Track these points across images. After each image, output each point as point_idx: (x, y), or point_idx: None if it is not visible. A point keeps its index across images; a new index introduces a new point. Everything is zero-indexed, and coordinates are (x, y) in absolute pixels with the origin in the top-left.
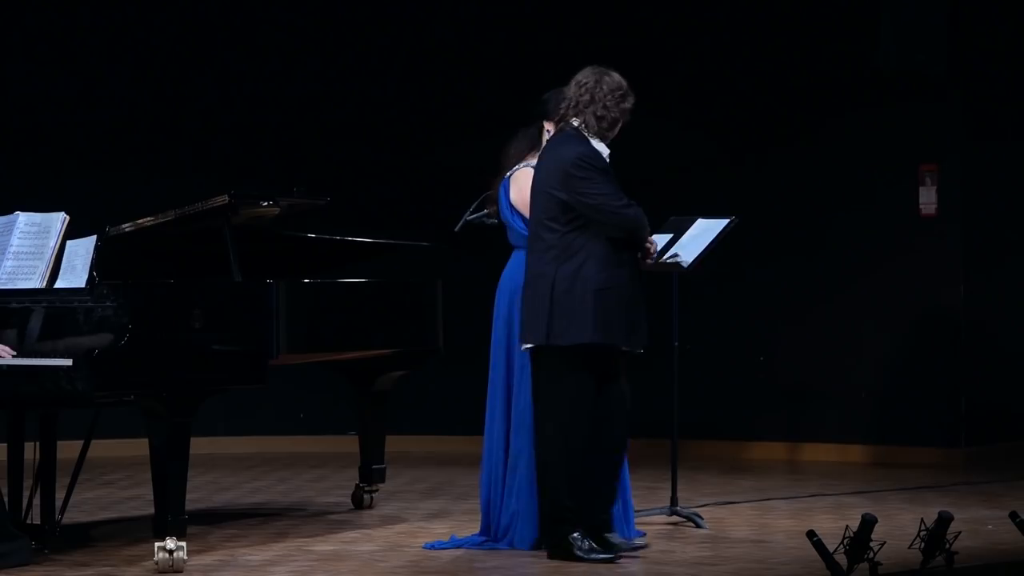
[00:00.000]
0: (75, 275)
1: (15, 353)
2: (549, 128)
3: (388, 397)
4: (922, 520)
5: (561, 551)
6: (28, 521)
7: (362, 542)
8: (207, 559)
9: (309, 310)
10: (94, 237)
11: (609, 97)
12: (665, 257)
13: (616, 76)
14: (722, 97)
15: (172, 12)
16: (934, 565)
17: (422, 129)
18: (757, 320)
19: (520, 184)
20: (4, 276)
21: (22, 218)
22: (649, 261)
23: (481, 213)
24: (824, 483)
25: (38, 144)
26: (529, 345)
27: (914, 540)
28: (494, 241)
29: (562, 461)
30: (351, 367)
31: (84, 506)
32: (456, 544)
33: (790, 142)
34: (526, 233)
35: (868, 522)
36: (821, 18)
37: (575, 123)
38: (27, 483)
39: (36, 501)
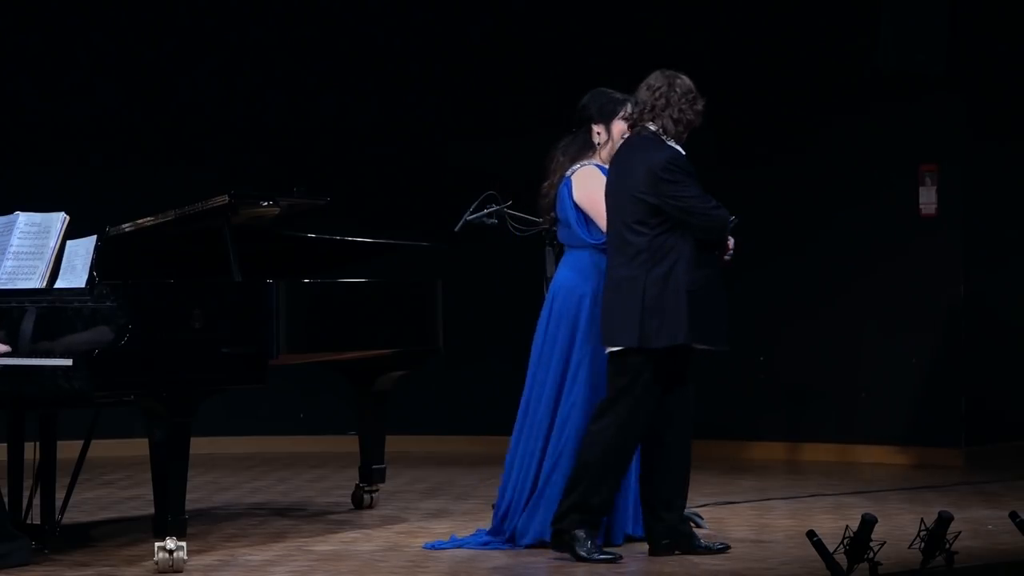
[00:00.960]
0: (75, 275)
1: (9, 348)
2: (599, 131)
3: (388, 397)
4: (922, 520)
5: (563, 542)
6: (28, 521)
7: (362, 542)
8: (207, 559)
9: (309, 310)
10: (94, 237)
11: (683, 100)
12: None
13: (686, 79)
14: (721, 97)
15: (173, 12)
16: (934, 565)
17: (422, 129)
18: (757, 320)
19: (586, 182)
20: (4, 276)
21: (22, 218)
22: (727, 258)
23: (481, 213)
24: (824, 483)
25: (38, 144)
26: (616, 348)
27: (914, 540)
28: (494, 241)
29: (611, 461)
30: (351, 367)
31: (84, 506)
32: (456, 544)
33: (790, 142)
34: (586, 233)
35: (868, 522)
36: (821, 18)
37: (652, 127)
38: (27, 483)
39: (36, 501)
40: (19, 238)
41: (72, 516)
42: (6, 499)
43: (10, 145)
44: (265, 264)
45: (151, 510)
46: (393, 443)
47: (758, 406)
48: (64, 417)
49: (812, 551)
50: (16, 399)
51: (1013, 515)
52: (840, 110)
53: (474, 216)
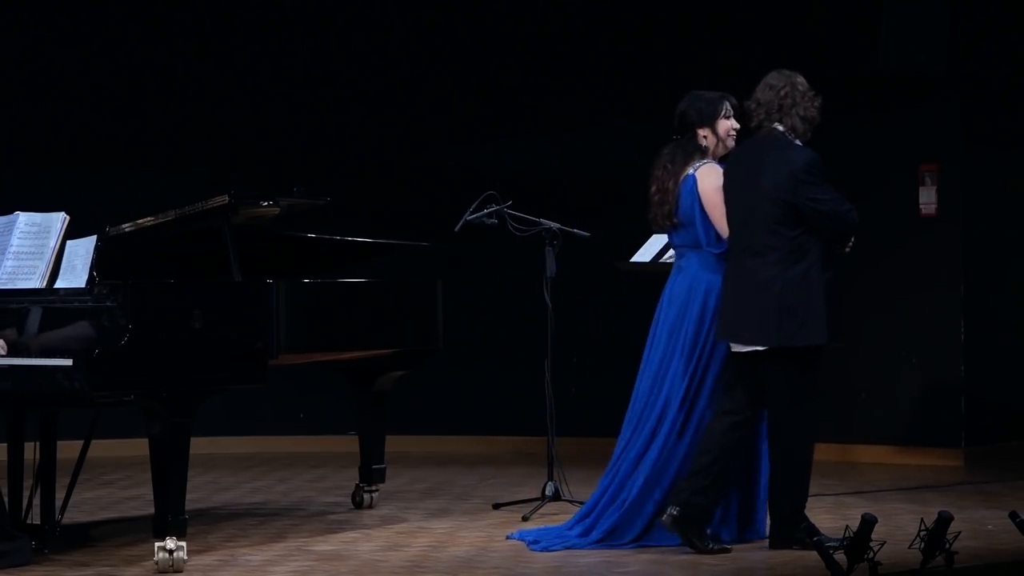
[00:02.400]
0: (75, 275)
1: (4, 347)
2: (704, 134)
3: (388, 397)
4: (922, 520)
5: (797, 539)
6: (28, 521)
7: (362, 542)
8: (207, 559)
9: (309, 310)
10: (94, 237)
11: (806, 98)
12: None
13: (801, 77)
14: None
15: (173, 12)
16: (934, 565)
17: (422, 129)
18: None
19: (710, 178)
20: (4, 276)
21: (22, 218)
22: (847, 250)
23: (481, 213)
24: (824, 483)
25: (37, 144)
26: (749, 348)
27: (914, 540)
28: (494, 241)
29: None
30: (351, 367)
31: (84, 506)
32: (549, 544)
33: None
34: (704, 237)
35: (868, 522)
36: (821, 19)
37: (780, 127)
38: (27, 483)
39: (36, 501)
40: (19, 238)
41: (72, 516)
42: (6, 499)
43: (10, 145)
44: (265, 264)
45: (151, 510)
46: (393, 443)
47: None
48: (64, 417)
49: (812, 551)
50: (16, 399)
51: (1013, 515)
52: (840, 110)
53: (474, 216)
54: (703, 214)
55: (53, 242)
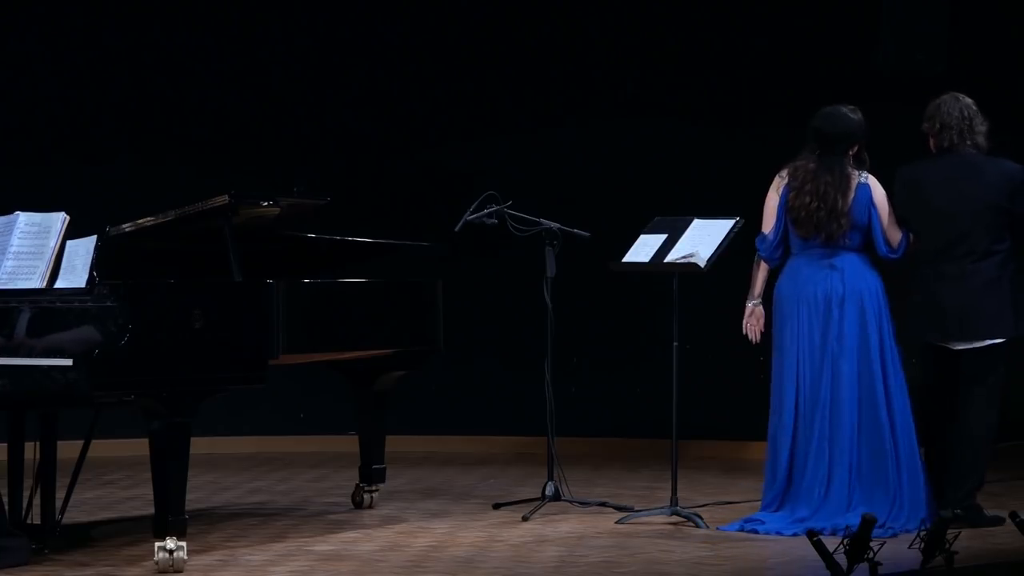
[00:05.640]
0: (75, 275)
1: None
2: (857, 149)
3: (388, 397)
4: (922, 520)
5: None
6: (28, 521)
7: (362, 542)
8: (207, 559)
9: (309, 310)
10: (94, 237)
11: (978, 119)
12: (680, 258)
13: (969, 99)
14: (721, 96)
15: (173, 12)
16: (934, 565)
17: (422, 129)
18: None
19: (879, 188)
20: (4, 276)
21: (22, 218)
22: None
23: (481, 213)
24: None
25: (37, 144)
26: (985, 343)
27: (914, 540)
28: (494, 241)
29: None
30: (351, 367)
31: (84, 506)
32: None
33: (790, 142)
34: (882, 242)
35: (868, 522)
36: (821, 18)
37: (968, 146)
38: (27, 483)
39: (36, 501)
40: (19, 238)
41: (72, 516)
42: (6, 499)
43: (10, 145)
44: (265, 264)
45: (151, 510)
46: (393, 443)
47: (758, 406)
48: (64, 417)
49: (812, 551)
50: (16, 399)
51: (1013, 515)
52: None
53: (474, 216)
54: (878, 220)
55: (53, 242)
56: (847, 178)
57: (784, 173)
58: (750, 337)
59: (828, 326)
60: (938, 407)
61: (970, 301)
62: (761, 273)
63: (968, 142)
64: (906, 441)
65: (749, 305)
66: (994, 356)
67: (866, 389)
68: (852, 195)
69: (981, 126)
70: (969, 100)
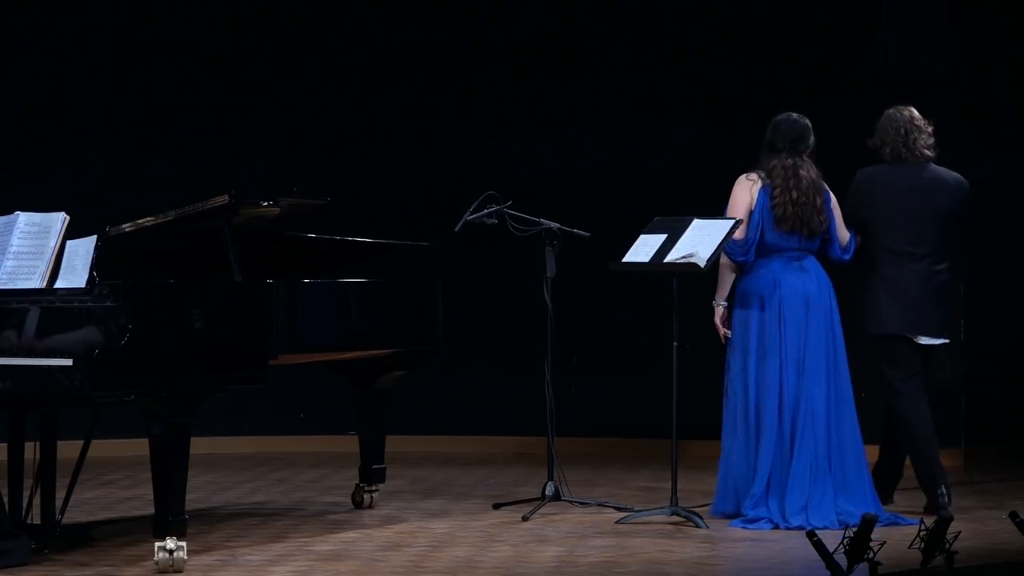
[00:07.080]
0: (75, 275)
1: None
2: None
3: (388, 397)
4: (922, 520)
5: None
6: (28, 521)
7: (362, 542)
8: (207, 559)
9: (309, 310)
10: (94, 237)
11: (916, 131)
12: (680, 258)
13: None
14: (720, 96)
15: (173, 12)
16: (934, 565)
17: (422, 129)
18: None
19: (835, 198)
20: (4, 276)
21: (22, 218)
22: None
23: (481, 213)
24: None
25: (38, 144)
26: (939, 341)
27: (914, 540)
28: (494, 241)
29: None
30: (351, 367)
31: (84, 506)
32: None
33: None
34: (837, 246)
35: (868, 522)
36: (821, 18)
37: (915, 154)
38: (27, 483)
39: (36, 501)
40: (19, 238)
41: (72, 516)
42: (6, 499)
43: (10, 145)
44: (265, 264)
45: (151, 510)
46: (393, 443)
47: None
48: (64, 417)
49: (812, 551)
50: (16, 399)
51: (1013, 515)
52: (840, 110)
53: (474, 216)
54: (835, 222)
55: (53, 242)
56: (820, 178)
57: (754, 176)
58: (721, 336)
59: (807, 325)
60: (902, 400)
61: (933, 299)
62: (731, 275)
63: (911, 156)
64: (857, 435)
65: (721, 307)
66: (939, 354)
67: (834, 384)
68: (823, 195)
69: (923, 138)
70: (908, 113)
